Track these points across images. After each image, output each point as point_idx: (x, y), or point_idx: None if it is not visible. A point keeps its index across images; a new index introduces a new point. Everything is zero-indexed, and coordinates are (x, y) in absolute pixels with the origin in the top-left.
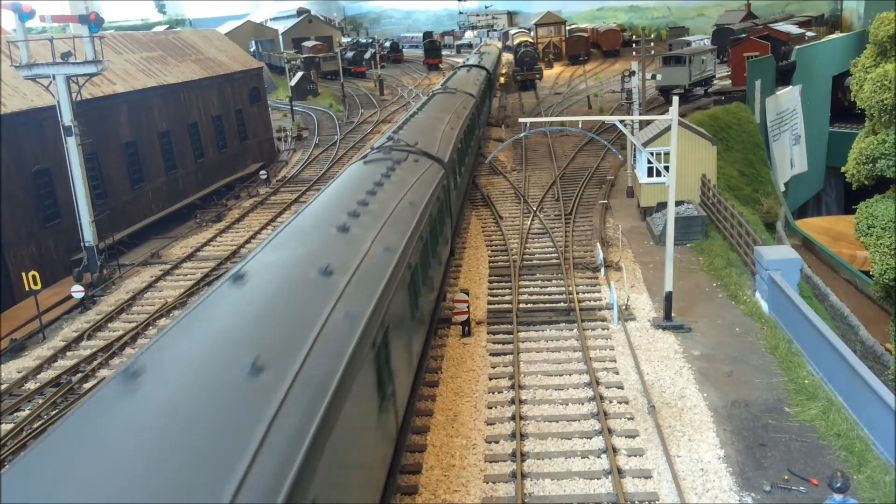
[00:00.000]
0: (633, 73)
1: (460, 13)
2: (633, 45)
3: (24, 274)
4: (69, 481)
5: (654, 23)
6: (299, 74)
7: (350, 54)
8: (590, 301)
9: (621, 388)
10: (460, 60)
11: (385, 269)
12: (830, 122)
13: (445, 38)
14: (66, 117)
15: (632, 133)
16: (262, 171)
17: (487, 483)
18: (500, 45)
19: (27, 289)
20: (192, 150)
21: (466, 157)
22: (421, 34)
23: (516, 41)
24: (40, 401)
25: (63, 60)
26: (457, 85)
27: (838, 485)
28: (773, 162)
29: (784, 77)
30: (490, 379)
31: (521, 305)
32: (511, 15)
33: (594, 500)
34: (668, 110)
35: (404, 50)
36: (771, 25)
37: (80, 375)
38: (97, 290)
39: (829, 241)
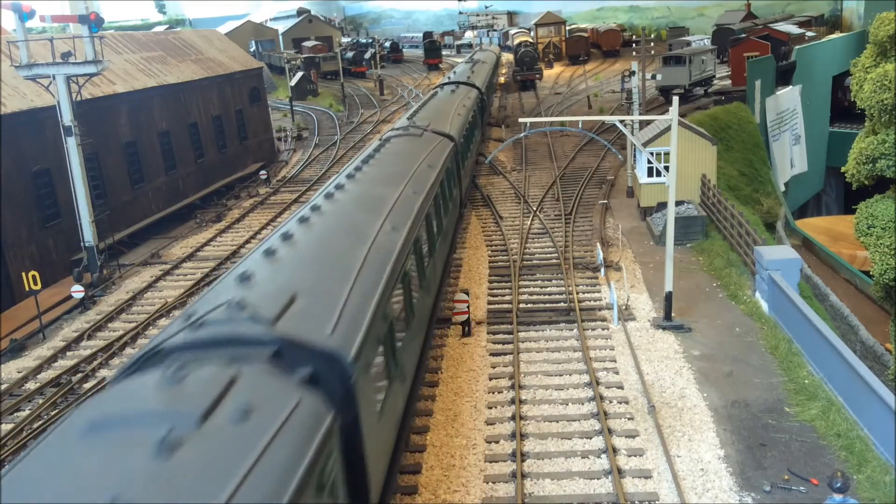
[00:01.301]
0: (633, 73)
1: (460, 13)
2: (633, 45)
3: (24, 274)
4: None
5: (654, 23)
6: (299, 74)
7: (350, 54)
8: (590, 301)
9: (621, 388)
10: (460, 60)
11: None
12: (830, 122)
13: (445, 38)
14: (66, 117)
15: (632, 133)
16: (262, 171)
17: (487, 483)
18: (497, 50)
19: (27, 289)
20: (193, 150)
21: (426, 288)
22: (421, 34)
23: (516, 41)
24: (40, 401)
25: (63, 60)
26: (429, 118)
27: (838, 485)
28: (773, 162)
29: (784, 77)
30: (490, 379)
31: (521, 305)
32: (511, 15)
33: (594, 500)
34: (668, 110)
35: (404, 50)
36: (771, 25)
37: (80, 375)
38: (97, 290)
39: (829, 241)
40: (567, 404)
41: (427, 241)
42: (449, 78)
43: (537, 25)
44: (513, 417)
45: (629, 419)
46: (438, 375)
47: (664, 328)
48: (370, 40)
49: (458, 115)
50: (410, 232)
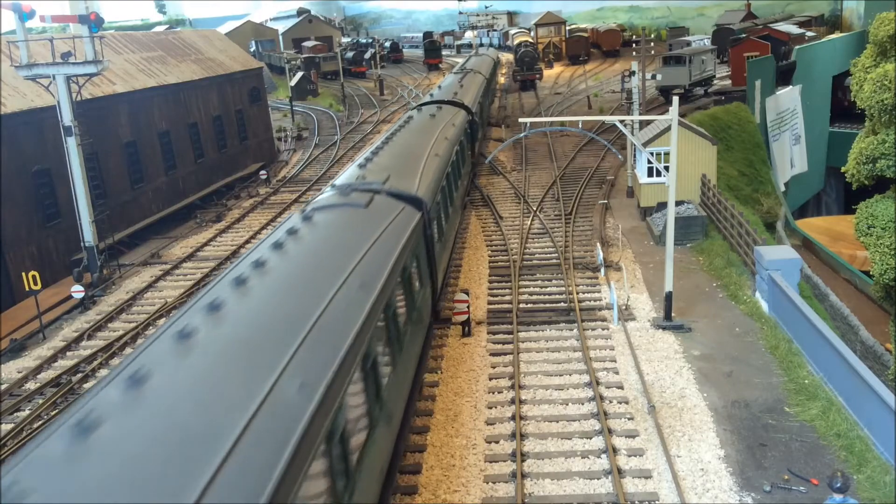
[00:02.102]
0: (633, 73)
1: (460, 13)
2: (633, 45)
3: (24, 274)
4: None
5: (654, 23)
6: (299, 74)
7: (350, 54)
8: (590, 301)
9: (621, 388)
10: (460, 60)
11: None
12: (830, 122)
13: (445, 38)
14: (66, 117)
15: (632, 133)
16: (263, 171)
17: (487, 483)
18: (495, 54)
19: (27, 289)
20: (192, 150)
21: None
22: (421, 34)
23: (516, 41)
24: (40, 401)
25: (63, 60)
26: (390, 166)
27: (838, 485)
28: (773, 162)
29: (784, 77)
30: (490, 379)
31: (521, 305)
32: (511, 15)
33: (594, 500)
34: (668, 110)
35: (404, 50)
36: (771, 25)
37: (80, 375)
38: (97, 290)
39: (829, 241)
40: (567, 404)
41: (336, 464)
42: (431, 95)
43: (537, 25)
44: (513, 417)
45: (629, 419)
46: (438, 375)
47: (664, 328)
48: (370, 40)
49: (436, 155)
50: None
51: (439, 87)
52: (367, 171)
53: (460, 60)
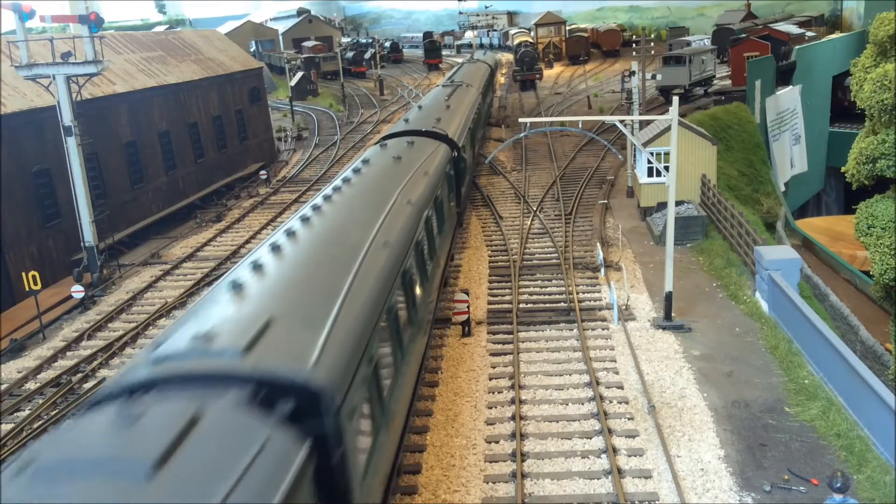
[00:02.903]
0: (633, 73)
1: (460, 13)
2: (633, 45)
3: (24, 274)
4: None
5: (654, 23)
6: (299, 74)
7: (350, 54)
8: (590, 301)
9: (621, 388)
10: (460, 60)
11: None
12: (830, 122)
13: (445, 38)
14: (66, 117)
15: (632, 133)
16: (263, 171)
17: (487, 483)
18: (493, 60)
19: (27, 289)
20: (192, 150)
21: None
22: (421, 34)
23: (516, 41)
24: (40, 401)
25: (63, 60)
26: (287, 285)
27: (838, 485)
28: (773, 162)
29: (784, 77)
30: (490, 379)
31: (521, 305)
32: (511, 15)
33: (594, 500)
34: (668, 110)
35: (404, 50)
36: (771, 25)
37: (80, 375)
38: (97, 290)
39: (829, 241)
40: (567, 404)
41: None
42: (406, 121)
43: (537, 25)
44: (513, 417)
45: (629, 419)
46: (438, 375)
47: (664, 328)
48: (370, 40)
49: (384, 245)
50: None
51: (419, 107)
52: (242, 300)
53: (460, 60)
